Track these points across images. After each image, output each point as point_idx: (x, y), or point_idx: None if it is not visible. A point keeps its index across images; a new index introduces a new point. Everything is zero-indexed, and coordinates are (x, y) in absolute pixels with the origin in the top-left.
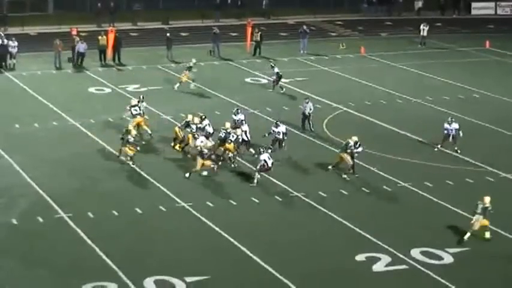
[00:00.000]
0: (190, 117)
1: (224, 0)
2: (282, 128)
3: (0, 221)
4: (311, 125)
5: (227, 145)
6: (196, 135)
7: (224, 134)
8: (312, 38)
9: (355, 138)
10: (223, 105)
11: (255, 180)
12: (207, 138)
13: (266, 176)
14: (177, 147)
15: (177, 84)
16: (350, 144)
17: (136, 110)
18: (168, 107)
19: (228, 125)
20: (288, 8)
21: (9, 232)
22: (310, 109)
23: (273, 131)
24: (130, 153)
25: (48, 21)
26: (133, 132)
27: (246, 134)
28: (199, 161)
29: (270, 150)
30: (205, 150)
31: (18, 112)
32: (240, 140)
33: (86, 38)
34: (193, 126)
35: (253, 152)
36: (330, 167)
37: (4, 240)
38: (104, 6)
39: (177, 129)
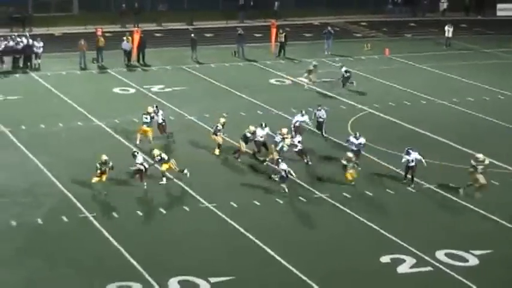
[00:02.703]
0: (222, 120)
1: (248, 2)
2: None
3: (25, 220)
4: (323, 132)
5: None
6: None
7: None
8: (337, 39)
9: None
10: (248, 106)
11: (286, 189)
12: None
13: (291, 177)
14: (216, 152)
15: (306, 86)
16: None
17: (146, 118)
18: (192, 107)
19: (284, 130)
20: (313, 9)
21: (34, 231)
22: (323, 116)
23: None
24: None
25: (72, 22)
26: (157, 152)
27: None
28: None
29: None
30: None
31: (43, 112)
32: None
33: (109, 39)
34: (252, 135)
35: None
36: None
37: (29, 239)
38: (128, 7)
39: (220, 137)
